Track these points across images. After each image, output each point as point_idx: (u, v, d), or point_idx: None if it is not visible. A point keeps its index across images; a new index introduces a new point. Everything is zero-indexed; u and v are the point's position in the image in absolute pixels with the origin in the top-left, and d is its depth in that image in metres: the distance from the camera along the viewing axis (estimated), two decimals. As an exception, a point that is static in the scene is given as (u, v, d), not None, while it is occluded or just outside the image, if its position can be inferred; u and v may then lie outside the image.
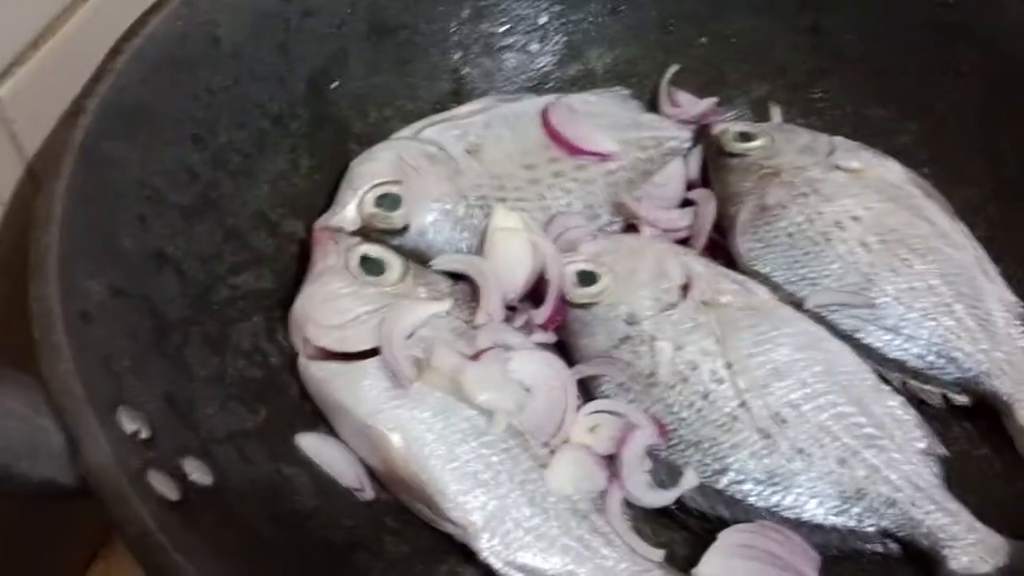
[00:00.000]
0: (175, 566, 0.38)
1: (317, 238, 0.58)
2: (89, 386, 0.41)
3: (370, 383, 0.52)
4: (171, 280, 0.52)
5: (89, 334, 0.44)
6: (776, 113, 0.71)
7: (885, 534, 0.52)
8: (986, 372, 0.56)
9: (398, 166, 0.62)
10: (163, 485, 0.41)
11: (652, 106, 0.71)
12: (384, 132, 0.65)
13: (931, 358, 0.57)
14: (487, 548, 0.50)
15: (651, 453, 0.54)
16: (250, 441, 0.50)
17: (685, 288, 0.58)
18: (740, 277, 0.60)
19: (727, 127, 0.67)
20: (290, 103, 0.62)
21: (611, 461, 0.53)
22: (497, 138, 0.65)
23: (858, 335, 0.58)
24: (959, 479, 0.54)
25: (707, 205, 0.64)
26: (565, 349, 0.59)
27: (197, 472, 0.45)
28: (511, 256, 0.60)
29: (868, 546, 0.52)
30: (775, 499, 0.52)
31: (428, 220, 0.61)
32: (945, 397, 0.57)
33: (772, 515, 0.52)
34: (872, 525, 0.52)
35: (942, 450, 0.54)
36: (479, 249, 0.61)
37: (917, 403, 0.56)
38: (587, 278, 0.59)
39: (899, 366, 0.57)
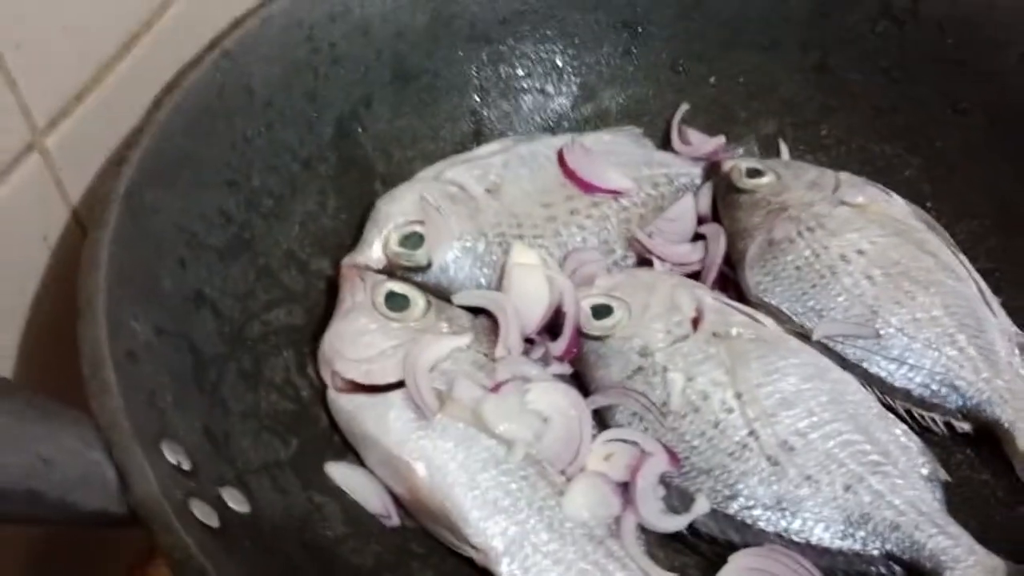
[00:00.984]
0: (219, 590, 0.40)
1: (345, 275, 0.61)
2: (136, 421, 0.43)
3: (396, 414, 0.55)
4: (208, 318, 0.54)
5: (135, 372, 0.46)
6: (784, 150, 0.73)
7: (889, 557, 0.53)
8: (988, 400, 0.58)
9: (421, 206, 0.64)
10: (204, 514, 0.44)
11: (664, 144, 0.74)
12: (407, 173, 0.68)
13: (934, 387, 0.59)
14: (507, 572, 0.52)
15: (664, 480, 0.56)
16: (283, 471, 0.53)
17: (696, 320, 0.60)
18: (749, 309, 0.62)
19: (737, 164, 0.69)
20: (319, 147, 0.64)
21: (625, 488, 0.55)
22: (515, 177, 0.67)
23: (864, 365, 0.60)
24: (961, 504, 0.55)
25: (717, 240, 0.66)
26: (581, 380, 0.61)
27: (235, 501, 0.47)
28: (529, 291, 0.62)
29: (873, 568, 0.53)
30: (783, 524, 0.54)
31: (450, 257, 0.63)
32: (948, 424, 0.59)
33: (781, 539, 0.54)
34: (877, 548, 0.53)
35: (944, 476, 0.56)
36: (498, 284, 0.63)
37: (921, 430, 0.58)
38: (602, 311, 0.61)
39: (903, 395, 0.59)
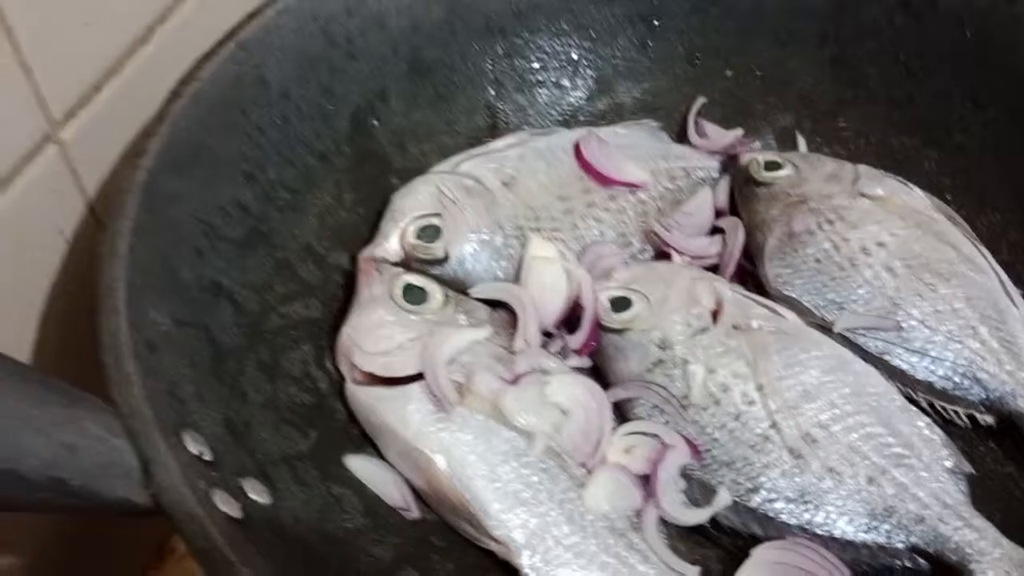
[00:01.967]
0: (242, 580, 0.40)
1: (362, 268, 0.61)
2: (157, 411, 0.43)
3: (415, 407, 0.54)
4: (227, 310, 0.54)
5: (155, 363, 0.46)
6: (801, 142, 0.73)
7: (914, 550, 0.53)
8: (1011, 393, 0.58)
9: (437, 199, 0.64)
10: (227, 504, 0.43)
11: (680, 137, 0.73)
12: (423, 166, 0.68)
13: (957, 379, 0.59)
14: (528, 565, 0.51)
15: (685, 473, 0.55)
16: (302, 463, 0.53)
17: (715, 313, 0.60)
18: (769, 302, 0.61)
19: (754, 157, 0.68)
20: (335, 140, 0.64)
21: (646, 481, 0.55)
22: (532, 171, 0.67)
23: (886, 357, 0.59)
24: (985, 496, 0.55)
25: (736, 233, 0.66)
26: (600, 373, 0.60)
27: (256, 492, 0.47)
28: (547, 284, 0.62)
29: (897, 562, 0.53)
30: (806, 517, 0.54)
31: (467, 250, 0.63)
32: (971, 417, 0.58)
33: (804, 532, 0.54)
34: (901, 541, 0.53)
35: (968, 468, 0.55)
36: (516, 278, 0.63)
37: (943, 423, 0.58)
38: (621, 304, 0.60)
39: (926, 387, 0.59)
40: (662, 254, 0.66)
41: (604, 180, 0.67)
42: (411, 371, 0.56)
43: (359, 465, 0.55)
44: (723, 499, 0.55)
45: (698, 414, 0.57)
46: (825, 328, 0.61)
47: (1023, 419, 0.58)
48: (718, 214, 0.69)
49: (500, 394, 0.55)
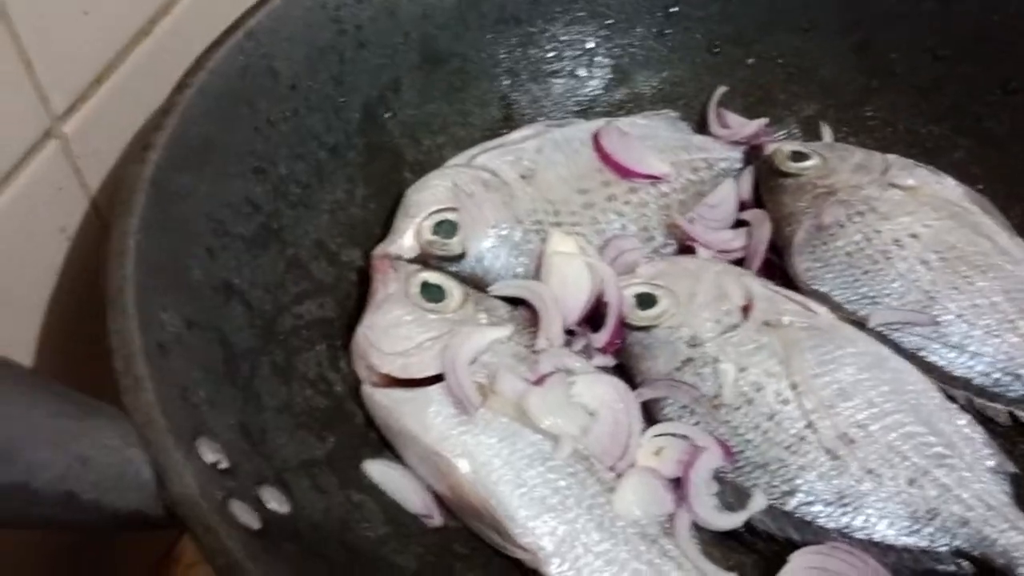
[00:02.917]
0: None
1: (376, 266, 0.59)
2: (171, 418, 0.41)
3: (435, 409, 0.52)
4: (239, 311, 0.52)
5: (167, 367, 0.44)
6: (827, 132, 0.71)
7: (958, 553, 0.51)
8: (1052, 388, 0.56)
9: (453, 193, 0.62)
10: (245, 514, 0.41)
11: (701, 128, 0.71)
12: (437, 160, 0.66)
13: (996, 375, 0.57)
14: (557, 574, 0.49)
15: (718, 476, 0.54)
16: (320, 469, 0.50)
17: (745, 309, 0.58)
18: (799, 297, 0.59)
19: (779, 147, 0.66)
20: (346, 133, 0.62)
21: (677, 484, 0.53)
22: (550, 163, 0.65)
23: (922, 353, 0.58)
24: (1030, 497, 0.53)
25: (762, 226, 0.64)
26: (625, 373, 0.59)
27: (274, 501, 0.45)
28: (569, 280, 0.60)
29: (941, 566, 0.51)
30: (845, 520, 0.52)
31: (485, 246, 0.61)
32: (1011, 414, 0.57)
33: (842, 536, 0.52)
34: (945, 545, 0.51)
35: (1012, 468, 0.54)
36: (536, 274, 0.61)
37: (983, 420, 0.56)
38: (646, 300, 0.59)
39: (964, 384, 0.57)
40: (685, 248, 0.64)
41: (625, 172, 0.65)
42: (431, 372, 0.54)
43: (379, 471, 0.53)
44: (758, 503, 0.53)
45: (730, 414, 0.55)
46: (857, 323, 0.59)
47: (1066, 416, 0.56)
48: (742, 206, 0.67)
49: (524, 395, 0.53)
